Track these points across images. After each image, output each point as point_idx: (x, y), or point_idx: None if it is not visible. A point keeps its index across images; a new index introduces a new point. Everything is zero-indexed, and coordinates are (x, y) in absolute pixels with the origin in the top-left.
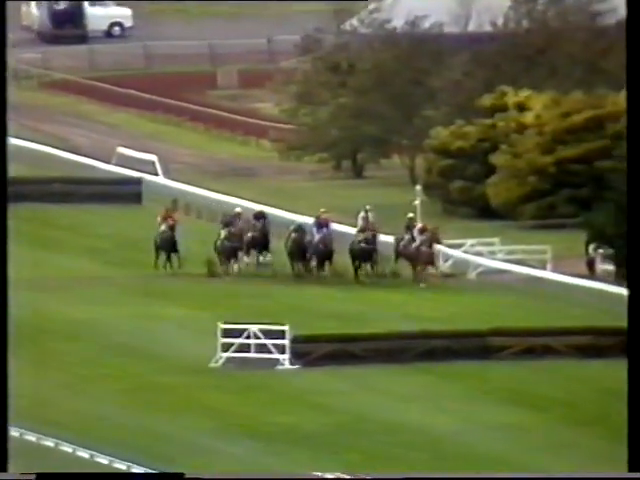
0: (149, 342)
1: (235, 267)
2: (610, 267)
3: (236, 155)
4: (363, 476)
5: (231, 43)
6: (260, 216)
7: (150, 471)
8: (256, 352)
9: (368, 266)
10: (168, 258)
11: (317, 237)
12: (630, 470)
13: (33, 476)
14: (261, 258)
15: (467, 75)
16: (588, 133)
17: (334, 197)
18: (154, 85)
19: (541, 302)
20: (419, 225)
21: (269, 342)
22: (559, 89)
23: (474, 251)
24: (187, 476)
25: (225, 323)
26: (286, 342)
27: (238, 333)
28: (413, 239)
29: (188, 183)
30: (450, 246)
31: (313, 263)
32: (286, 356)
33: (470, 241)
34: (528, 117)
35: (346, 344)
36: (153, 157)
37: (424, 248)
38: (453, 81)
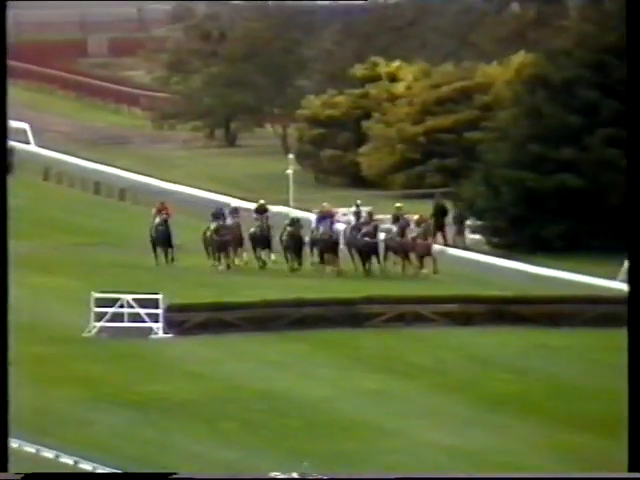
0: (22, 312)
1: (227, 262)
2: (477, 237)
3: (109, 123)
4: (345, 476)
5: (102, 11)
6: (261, 210)
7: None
8: (130, 321)
9: (374, 260)
10: (165, 252)
11: (322, 229)
12: (630, 470)
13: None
14: (262, 255)
15: (339, 45)
16: (457, 104)
17: (208, 166)
18: (25, 53)
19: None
20: (415, 216)
21: (142, 311)
22: (429, 61)
23: (345, 220)
24: (179, 475)
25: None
26: (159, 311)
27: (111, 302)
28: (402, 230)
29: (61, 152)
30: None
31: (314, 256)
32: (159, 325)
33: (342, 210)
34: (399, 87)
35: (219, 312)
36: (25, 125)
37: (420, 240)
38: (325, 51)
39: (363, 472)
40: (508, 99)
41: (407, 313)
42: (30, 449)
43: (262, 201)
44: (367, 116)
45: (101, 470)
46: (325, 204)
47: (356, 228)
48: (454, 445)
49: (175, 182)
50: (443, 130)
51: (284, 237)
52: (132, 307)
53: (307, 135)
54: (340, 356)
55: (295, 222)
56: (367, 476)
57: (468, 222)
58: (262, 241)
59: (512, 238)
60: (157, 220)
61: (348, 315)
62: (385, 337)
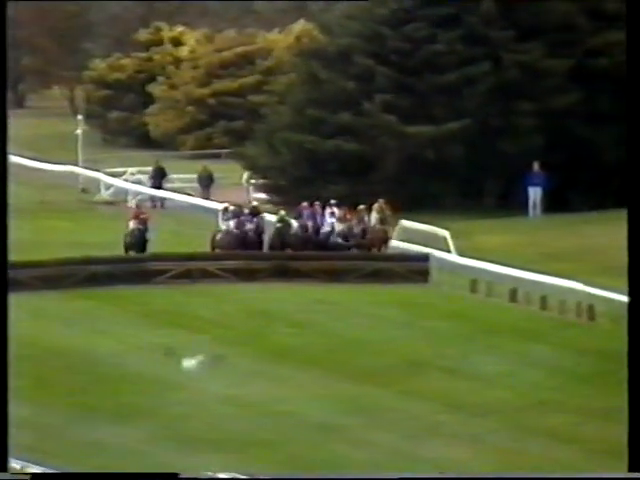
0: None
1: None
2: (262, 195)
3: None
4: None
5: None
6: (255, 213)
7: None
8: None
9: None
10: None
11: (337, 230)
12: (630, 470)
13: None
14: None
15: (125, 10)
16: (240, 68)
17: None
18: None
19: (198, 228)
20: (375, 204)
21: None
22: (213, 26)
23: (134, 179)
24: (181, 476)
25: None
26: None
27: None
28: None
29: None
30: (111, 174)
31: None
32: None
33: (130, 169)
34: (182, 51)
35: (11, 271)
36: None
37: (378, 226)
38: (111, 15)
39: (347, 472)
40: (288, 65)
41: (194, 270)
42: None
43: (255, 203)
44: (152, 79)
45: None
46: (305, 203)
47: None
48: (237, 395)
49: None
50: (229, 93)
51: (271, 235)
52: None
53: (94, 97)
54: (129, 312)
55: (283, 220)
56: (371, 476)
57: (252, 181)
58: (255, 244)
59: (293, 197)
60: (132, 226)
61: (136, 272)
62: (172, 293)
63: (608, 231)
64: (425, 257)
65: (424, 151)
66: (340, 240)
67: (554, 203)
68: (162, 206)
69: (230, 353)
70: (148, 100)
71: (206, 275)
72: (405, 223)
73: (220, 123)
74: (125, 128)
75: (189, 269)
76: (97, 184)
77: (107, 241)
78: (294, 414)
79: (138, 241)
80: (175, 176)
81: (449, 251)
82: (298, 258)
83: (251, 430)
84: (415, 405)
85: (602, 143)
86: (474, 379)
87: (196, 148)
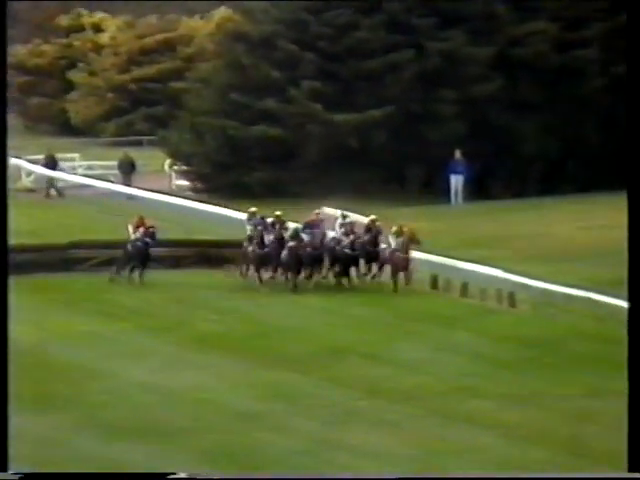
0: None
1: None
2: (185, 182)
3: None
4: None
5: None
6: (277, 223)
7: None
8: None
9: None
10: (131, 270)
11: (345, 241)
12: (630, 470)
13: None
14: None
15: None
16: (161, 55)
17: None
18: None
19: (119, 214)
20: (394, 227)
21: None
22: (133, 13)
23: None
24: (179, 475)
25: None
26: None
27: None
28: (374, 240)
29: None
30: (31, 162)
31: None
32: None
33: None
34: (104, 38)
35: None
36: None
37: (399, 254)
38: (32, 1)
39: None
40: (210, 51)
41: (115, 257)
42: None
43: (278, 212)
44: (73, 65)
45: None
46: (317, 211)
47: (336, 240)
48: (160, 383)
49: None
50: (149, 79)
51: (285, 252)
52: None
53: (15, 83)
54: (50, 300)
55: (296, 235)
56: (366, 476)
57: (175, 167)
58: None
59: (216, 183)
60: (135, 236)
61: (58, 260)
62: (95, 281)
63: (528, 219)
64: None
65: (348, 138)
66: (348, 251)
67: (476, 191)
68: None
69: (153, 341)
70: (69, 86)
71: None
72: (327, 210)
73: (141, 110)
74: (46, 115)
75: (112, 257)
76: (18, 171)
77: (28, 229)
78: (216, 402)
79: (141, 253)
80: (97, 163)
81: None
82: (222, 245)
83: (173, 418)
84: (336, 391)
85: (523, 132)
86: (395, 365)
87: (117, 135)
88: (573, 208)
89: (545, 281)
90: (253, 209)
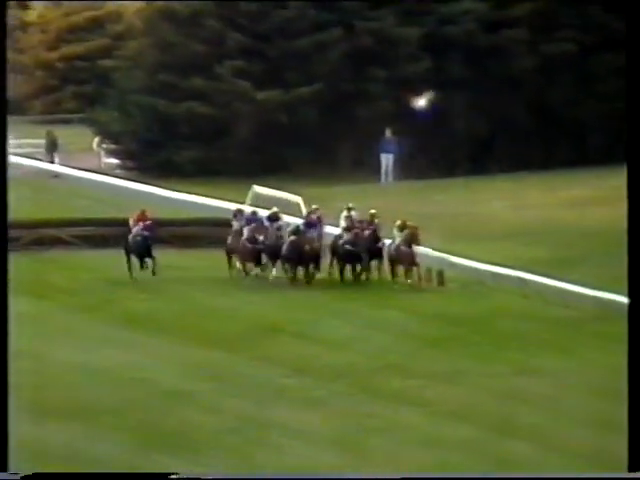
0: None
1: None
2: (114, 161)
3: None
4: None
5: None
6: (274, 218)
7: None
8: None
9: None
10: (141, 263)
11: (346, 237)
12: (630, 470)
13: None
14: (274, 271)
15: None
16: (90, 32)
17: None
18: None
19: (52, 193)
20: (398, 221)
21: None
22: None
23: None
24: (179, 475)
25: None
26: None
27: None
28: (376, 238)
29: None
30: None
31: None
32: None
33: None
34: (30, 15)
35: None
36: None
37: (404, 248)
38: None
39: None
40: (139, 29)
41: (45, 237)
42: None
43: (275, 209)
44: None
45: None
46: (314, 206)
47: (339, 235)
48: (87, 363)
49: None
50: (78, 57)
51: (286, 247)
52: None
53: None
54: None
55: (297, 231)
56: (371, 476)
57: (104, 146)
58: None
59: (145, 162)
60: (135, 229)
61: None
62: (24, 260)
63: (457, 198)
64: None
65: (277, 116)
66: (349, 247)
67: (406, 169)
68: None
69: (81, 320)
70: None
71: (58, 242)
72: (258, 189)
73: (70, 88)
74: None
75: (41, 236)
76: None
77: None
78: (144, 380)
79: (140, 247)
80: (26, 141)
81: (302, 217)
82: None
83: (101, 398)
84: (265, 370)
85: (452, 111)
86: (324, 344)
87: (45, 113)
88: (501, 187)
89: (474, 260)
90: (242, 207)
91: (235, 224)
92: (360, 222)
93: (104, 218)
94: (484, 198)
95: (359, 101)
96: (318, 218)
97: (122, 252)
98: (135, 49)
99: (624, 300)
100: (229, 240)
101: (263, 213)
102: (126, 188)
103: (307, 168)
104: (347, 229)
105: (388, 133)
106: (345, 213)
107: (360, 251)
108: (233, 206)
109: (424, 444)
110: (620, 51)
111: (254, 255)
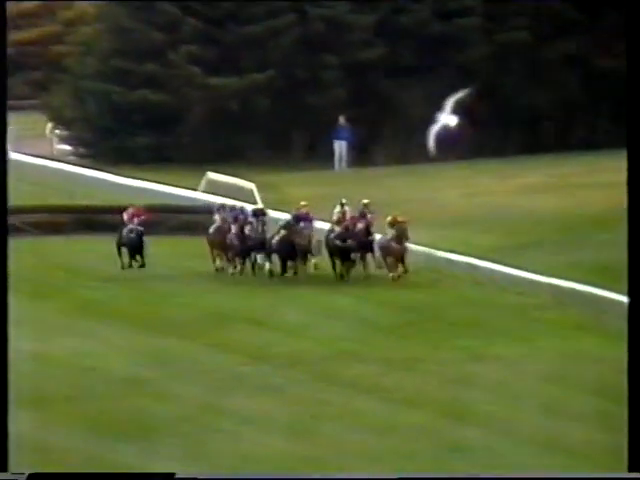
0: None
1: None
2: (67, 147)
3: None
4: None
5: None
6: (260, 213)
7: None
8: None
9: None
10: (132, 258)
11: (336, 232)
12: (630, 470)
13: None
14: (267, 265)
15: None
16: (40, 18)
17: None
18: None
19: None
20: (389, 217)
21: None
22: None
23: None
24: (179, 476)
25: None
26: None
27: None
28: (368, 231)
29: None
30: None
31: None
32: None
33: None
34: None
35: None
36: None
37: (394, 244)
38: None
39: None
40: (91, 14)
41: None
42: None
43: (260, 204)
44: None
45: None
46: (303, 202)
47: (330, 230)
48: (41, 351)
49: None
50: (29, 43)
51: (278, 241)
52: None
53: None
54: None
55: (288, 225)
56: (371, 476)
57: (57, 132)
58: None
59: (99, 148)
60: (129, 226)
61: None
62: None
63: (412, 185)
64: None
65: (230, 103)
66: (339, 242)
67: (359, 157)
68: None
69: (35, 308)
70: None
71: (11, 229)
72: (212, 175)
73: (20, 74)
74: None
75: None
76: None
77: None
78: (99, 368)
79: (134, 243)
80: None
81: (256, 204)
82: (104, 211)
83: (55, 386)
84: (220, 357)
85: (405, 98)
86: (279, 330)
87: None
88: (456, 174)
89: (428, 246)
90: (226, 202)
91: (217, 218)
92: (352, 217)
93: (55, 205)
94: (439, 185)
95: (312, 88)
96: (307, 213)
97: (75, 238)
98: (88, 35)
99: (578, 287)
100: (211, 234)
101: (249, 208)
102: (79, 175)
103: (261, 155)
104: (337, 222)
105: (342, 120)
106: (338, 208)
107: (350, 246)
108: (187, 193)
109: (378, 431)
110: (572, 39)
111: (243, 251)
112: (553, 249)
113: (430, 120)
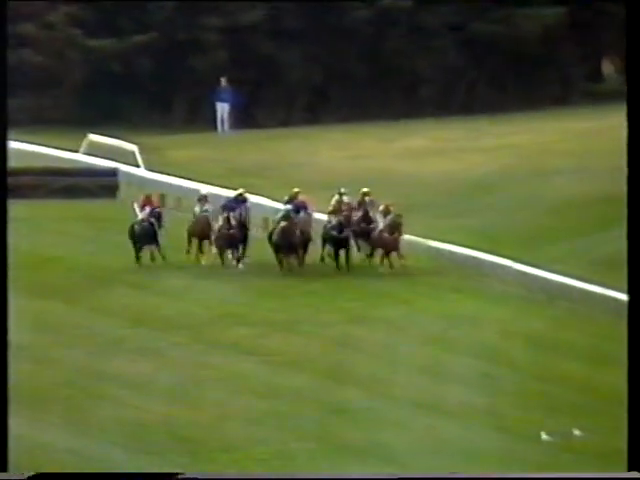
0: None
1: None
2: None
3: None
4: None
5: None
6: (240, 200)
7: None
8: None
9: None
10: (139, 251)
11: (333, 222)
12: (630, 470)
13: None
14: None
15: None
16: None
17: None
18: None
19: None
20: (381, 206)
21: None
22: None
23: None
24: (183, 476)
25: None
26: None
27: None
28: (366, 219)
29: None
30: None
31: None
32: None
33: None
34: None
35: None
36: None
37: (386, 235)
38: None
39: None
40: None
41: None
42: None
43: (241, 190)
44: None
45: None
46: (295, 189)
47: (328, 220)
48: None
49: None
50: None
51: (276, 233)
52: None
53: None
54: None
55: (287, 216)
56: (371, 476)
57: None
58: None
59: None
60: (141, 216)
61: None
62: None
63: (294, 148)
64: (113, 172)
65: (111, 65)
66: (334, 232)
67: (242, 119)
68: None
69: None
70: None
71: None
72: (93, 137)
73: None
74: None
75: None
76: None
77: None
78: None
79: (147, 234)
80: None
81: (138, 166)
82: None
83: None
84: (101, 321)
85: (287, 61)
86: (161, 294)
87: None
88: (337, 137)
89: (314, 211)
90: (205, 192)
91: (197, 209)
92: (348, 205)
93: None
94: (320, 148)
95: (193, 50)
96: (303, 202)
97: None
98: None
99: (458, 250)
100: (192, 225)
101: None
102: None
103: (143, 117)
104: (333, 212)
105: (223, 82)
106: (336, 197)
107: (346, 235)
108: (68, 155)
109: (259, 393)
110: (453, 5)
111: (231, 241)
112: (438, 213)
113: (313, 82)
